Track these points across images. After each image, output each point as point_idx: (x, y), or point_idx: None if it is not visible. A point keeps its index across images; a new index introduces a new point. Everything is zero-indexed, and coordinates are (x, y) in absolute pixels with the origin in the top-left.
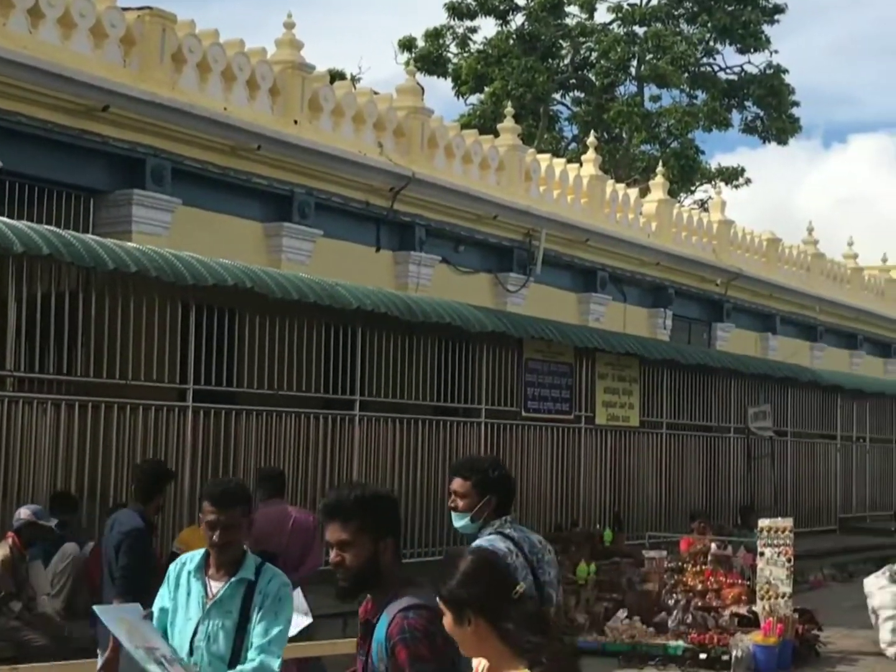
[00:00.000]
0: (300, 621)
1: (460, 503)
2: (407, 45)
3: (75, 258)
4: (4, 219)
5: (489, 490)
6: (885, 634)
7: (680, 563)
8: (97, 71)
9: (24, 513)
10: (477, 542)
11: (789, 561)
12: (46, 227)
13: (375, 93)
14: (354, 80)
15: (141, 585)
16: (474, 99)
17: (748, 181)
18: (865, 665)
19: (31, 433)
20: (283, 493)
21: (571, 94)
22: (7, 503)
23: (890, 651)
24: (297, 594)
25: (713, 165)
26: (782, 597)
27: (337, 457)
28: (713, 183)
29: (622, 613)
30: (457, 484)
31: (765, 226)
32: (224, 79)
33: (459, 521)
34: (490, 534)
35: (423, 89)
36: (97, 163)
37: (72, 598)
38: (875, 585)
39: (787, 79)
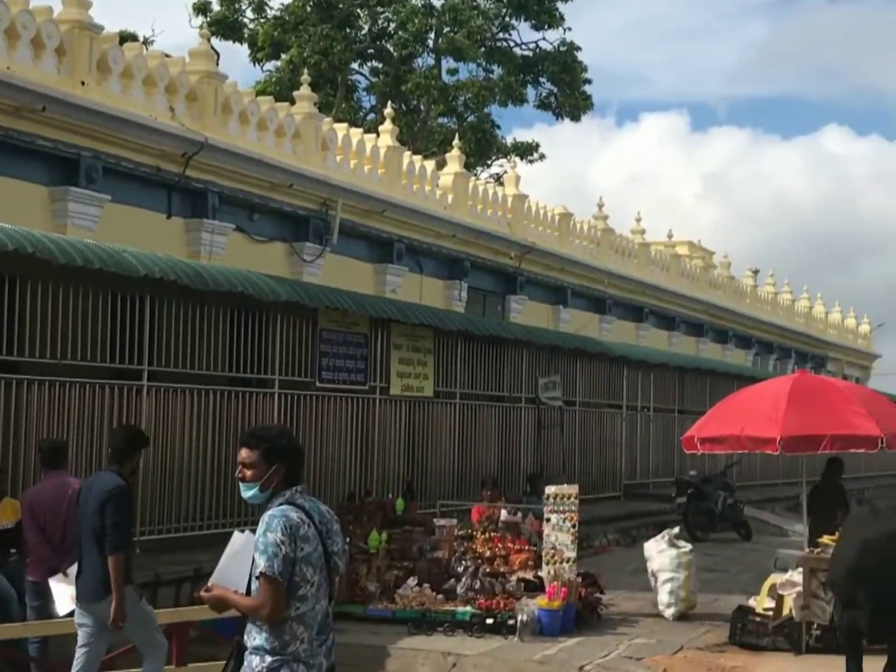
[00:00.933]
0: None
1: (248, 473)
2: (202, 8)
3: None
4: None
5: (277, 459)
6: (663, 596)
7: (470, 531)
8: None
9: None
10: (268, 513)
11: (574, 527)
12: None
13: (167, 56)
14: (147, 42)
15: (129, 538)
16: (271, 66)
17: (543, 156)
18: (644, 626)
19: None
20: (66, 465)
21: (369, 64)
22: None
23: (668, 612)
24: (58, 583)
25: (510, 140)
26: (567, 561)
27: None
28: (508, 157)
29: (412, 581)
30: (244, 454)
31: (561, 201)
32: (7, 37)
33: (248, 492)
34: (281, 503)
35: (217, 54)
36: None
37: None
38: (655, 549)
39: (581, 57)
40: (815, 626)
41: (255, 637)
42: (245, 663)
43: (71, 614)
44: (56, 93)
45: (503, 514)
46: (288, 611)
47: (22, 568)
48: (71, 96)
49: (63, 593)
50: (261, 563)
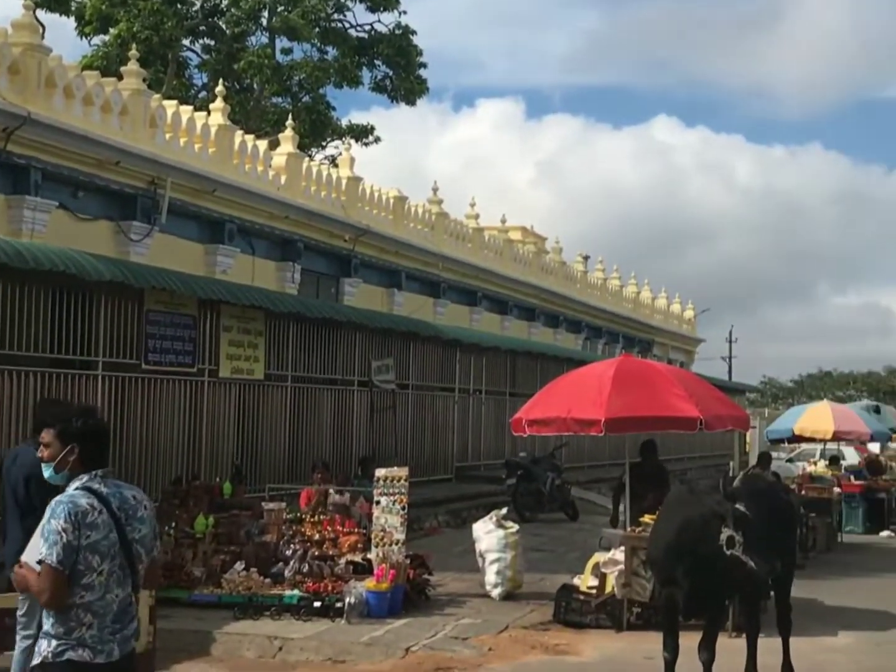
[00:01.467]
0: None
1: (45, 453)
2: None
3: None
4: None
5: (72, 439)
6: (490, 577)
7: (299, 515)
8: None
9: None
10: (56, 498)
11: (404, 509)
12: None
13: None
14: None
15: None
16: (98, 40)
17: (378, 139)
18: (471, 606)
19: None
20: None
21: (201, 41)
22: None
23: (494, 592)
24: None
25: (346, 122)
26: (396, 544)
27: None
28: (343, 139)
29: (239, 566)
30: (43, 433)
31: (399, 185)
32: None
33: (46, 472)
34: (77, 488)
35: (42, 26)
36: None
37: None
38: (483, 530)
39: (416, 41)
40: (637, 603)
41: (45, 621)
42: (36, 648)
43: None
44: None
45: (333, 496)
46: (72, 598)
47: None
48: None
49: None
50: (43, 551)
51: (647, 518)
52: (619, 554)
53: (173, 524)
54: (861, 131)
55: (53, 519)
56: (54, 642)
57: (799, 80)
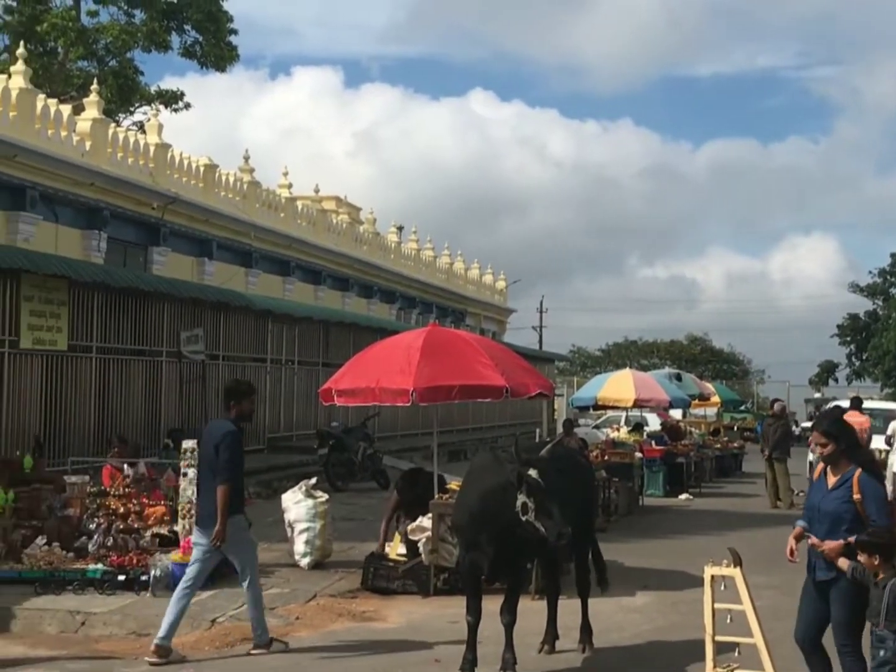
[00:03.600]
0: None
1: None
2: None
3: None
4: None
5: None
6: (299, 546)
7: (103, 488)
8: None
9: None
10: None
11: None
12: None
13: None
14: None
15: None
16: None
17: (188, 105)
18: (280, 576)
19: None
20: None
21: (2, 1)
22: None
23: (303, 562)
24: None
25: (159, 87)
26: None
27: None
28: (152, 105)
29: (41, 540)
30: None
31: (213, 153)
32: None
33: None
34: None
35: None
36: None
37: None
38: (292, 500)
39: (227, 7)
40: (444, 569)
41: None
42: None
43: None
44: None
45: (130, 469)
46: None
47: None
48: None
49: None
50: None
51: (453, 485)
52: (426, 521)
53: None
54: (670, 108)
55: None
56: None
57: (610, 56)
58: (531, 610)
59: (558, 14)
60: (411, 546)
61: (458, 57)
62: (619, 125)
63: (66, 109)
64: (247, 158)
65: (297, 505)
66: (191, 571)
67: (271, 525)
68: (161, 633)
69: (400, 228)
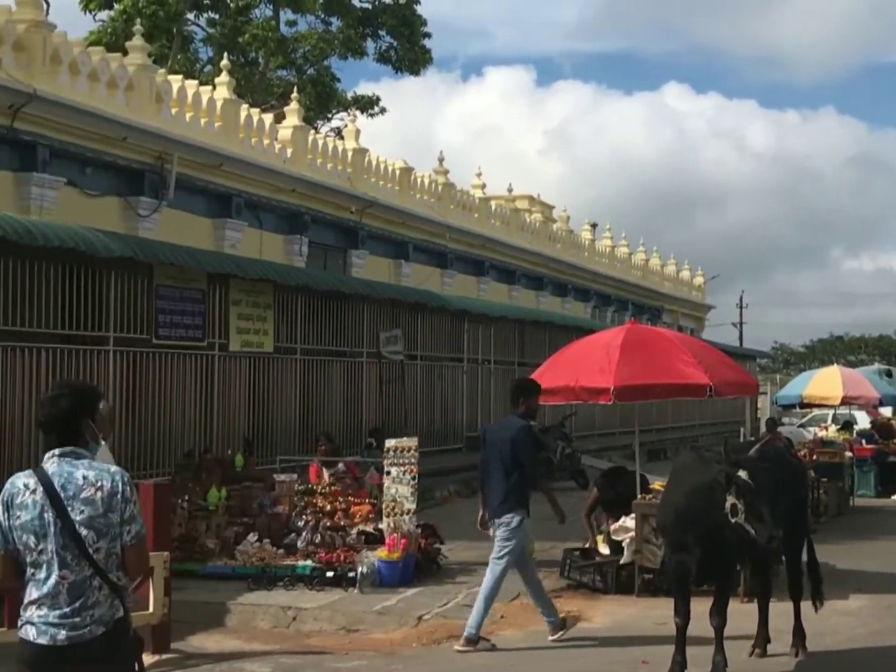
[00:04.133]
0: None
1: None
2: None
3: None
4: None
5: (38, 424)
6: None
7: (310, 486)
8: None
9: None
10: None
11: (414, 479)
12: None
13: None
14: None
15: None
16: (104, 16)
17: (384, 110)
18: (483, 574)
19: None
20: None
21: (206, 14)
22: None
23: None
24: None
25: (351, 94)
26: (407, 513)
27: None
28: (349, 111)
29: (252, 537)
30: None
31: (406, 155)
32: None
33: None
34: (35, 467)
35: (46, 3)
36: None
37: None
38: None
39: (420, 10)
40: (647, 570)
41: None
42: None
43: None
44: None
45: (341, 467)
46: (28, 576)
47: None
48: None
49: None
50: None
51: (657, 485)
52: (629, 521)
53: (186, 497)
54: (875, 96)
55: None
56: (22, 613)
57: (810, 45)
58: (740, 612)
59: (754, 5)
60: (615, 546)
61: (650, 51)
62: (822, 114)
63: (267, 118)
64: (441, 160)
65: None
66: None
67: (472, 524)
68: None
69: (593, 226)
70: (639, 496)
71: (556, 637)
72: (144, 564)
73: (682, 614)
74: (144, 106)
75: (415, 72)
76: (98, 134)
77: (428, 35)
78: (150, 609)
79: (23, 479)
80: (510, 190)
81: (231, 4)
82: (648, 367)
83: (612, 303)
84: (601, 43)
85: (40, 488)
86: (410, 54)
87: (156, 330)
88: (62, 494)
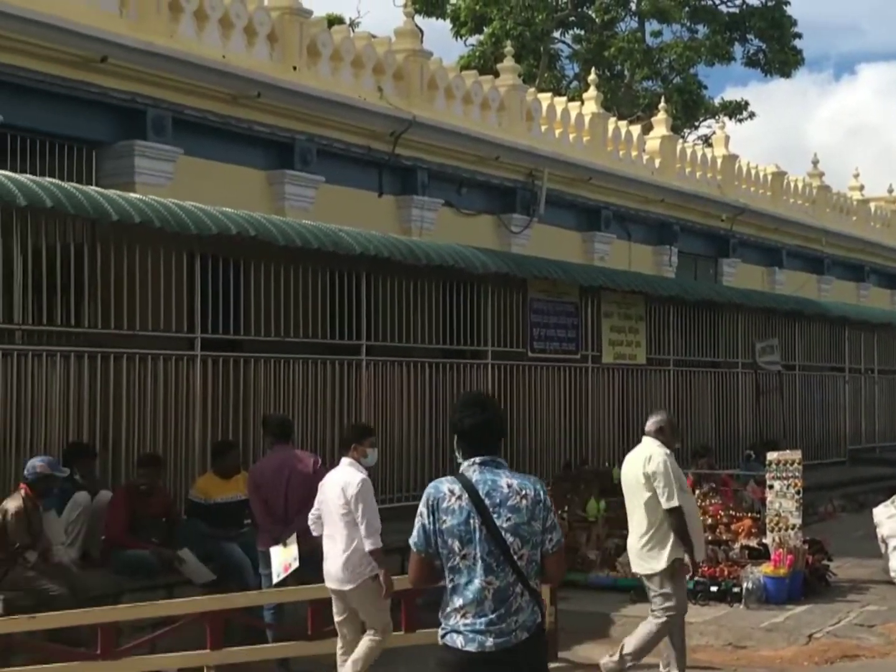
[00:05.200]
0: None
1: None
2: None
3: (79, 210)
4: (7, 172)
5: (453, 431)
6: (894, 563)
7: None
8: (94, 21)
9: (38, 464)
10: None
11: (798, 493)
12: (49, 179)
13: (373, 36)
14: (353, 24)
15: None
16: (473, 40)
17: (752, 115)
18: (876, 593)
19: (41, 385)
20: (290, 439)
21: (571, 31)
22: (20, 455)
23: None
24: (275, 552)
25: (719, 100)
26: (792, 528)
27: (345, 401)
28: (717, 118)
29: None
30: None
31: (777, 160)
32: (222, 26)
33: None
34: (453, 475)
35: (421, 32)
36: (98, 114)
37: (85, 546)
38: (884, 515)
39: (789, 11)
40: None
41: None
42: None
43: (282, 583)
44: (269, 79)
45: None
46: (448, 582)
47: (254, 538)
48: (283, 81)
49: (277, 561)
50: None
51: None
52: None
53: (566, 508)
54: None
55: (420, 505)
56: (442, 623)
57: None
58: None
59: None
60: None
61: None
62: None
63: (634, 130)
64: (815, 163)
65: (890, 520)
66: None
67: (860, 540)
68: None
69: None
70: None
71: None
72: (562, 572)
73: None
74: (515, 125)
75: (785, 73)
76: (472, 155)
77: (798, 35)
78: None
79: (447, 485)
80: (891, 190)
81: (596, 20)
82: None
83: None
84: None
85: (465, 494)
86: (780, 56)
87: (531, 343)
88: (487, 501)
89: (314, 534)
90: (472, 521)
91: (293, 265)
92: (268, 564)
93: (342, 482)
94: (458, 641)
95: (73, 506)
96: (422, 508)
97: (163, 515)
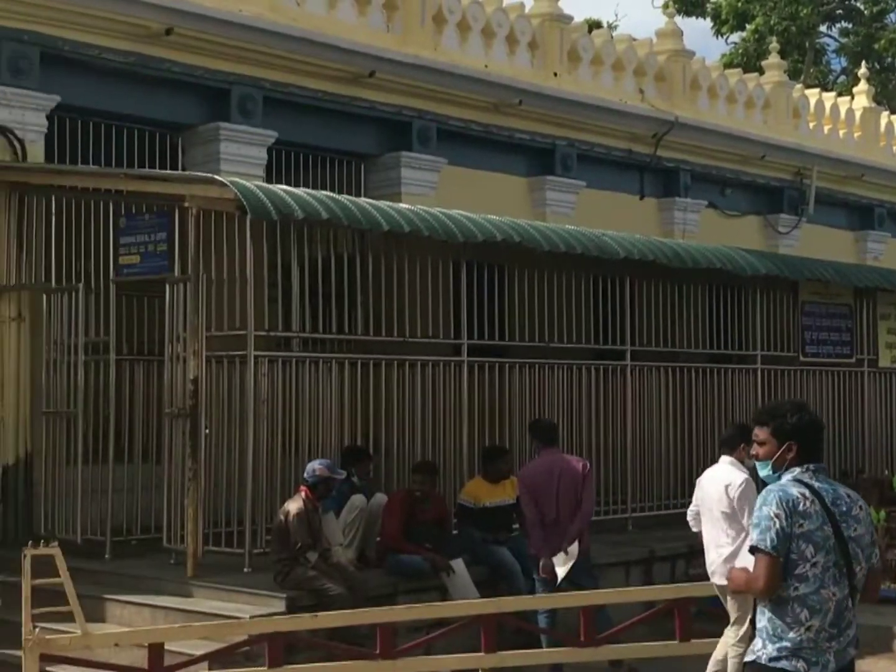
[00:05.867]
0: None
1: (760, 451)
2: None
3: (352, 222)
4: (284, 186)
5: (789, 436)
6: None
7: None
8: (362, 38)
9: (317, 467)
10: (768, 487)
11: None
12: (324, 192)
13: (633, 39)
14: (611, 27)
15: None
16: (735, 38)
17: None
18: None
19: (317, 391)
20: (557, 443)
21: (838, 25)
22: (299, 458)
23: None
24: (558, 559)
25: None
26: None
27: (609, 407)
28: None
29: None
30: (756, 431)
31: None
32: (484, 36)
33: (763, 471)
34: (787, 480)
35: (682, 32)
36: (366, 128)
37: (361, 547)
38: None
39: None
40: None
41: (759, 618)
42: (751, 644)
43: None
44: (530, 86)
45: None
46: (787, 591)
47: (524, 542)
48: (544, 88)
49: (562, 570)
50: (754, 537)
51: None
52: None
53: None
54: None
55: (766, 506)
56: (770, 646)
57: None
58: None
59: None
60: None
61: None
62: None
63: None
64: None
65: None
66: None
67: None
68: None
69: None
70: None
71: None
72: (877, 591)
73: None
74: (781, 122)
75: None
76: (737, 154)
77: None
78: None
79: (795, 489)
80: None
81: (865, 12)
82: None
83: None
84: None
85: (816, 500)
86: None
87: (803, 347)
88: (833, 509)
89: (693, 530)
90: (825, 528)
91: (556, 271)
92: (544, 568)
93: (726, 480)
94: (799, 667)
95: (351, 508)
96: (775, 510)
97: (437, 522)
